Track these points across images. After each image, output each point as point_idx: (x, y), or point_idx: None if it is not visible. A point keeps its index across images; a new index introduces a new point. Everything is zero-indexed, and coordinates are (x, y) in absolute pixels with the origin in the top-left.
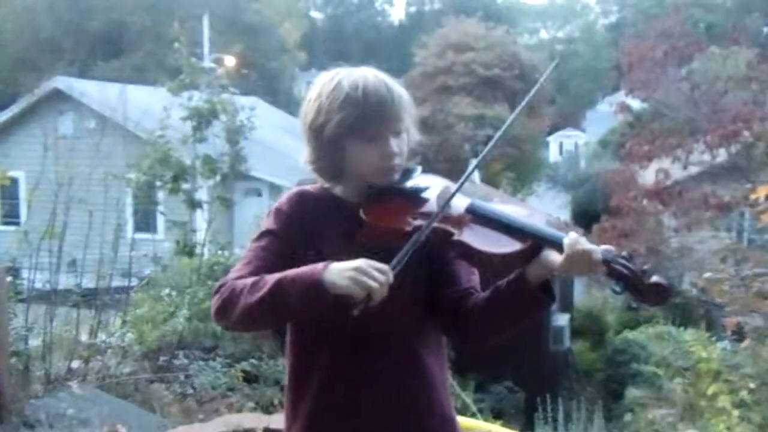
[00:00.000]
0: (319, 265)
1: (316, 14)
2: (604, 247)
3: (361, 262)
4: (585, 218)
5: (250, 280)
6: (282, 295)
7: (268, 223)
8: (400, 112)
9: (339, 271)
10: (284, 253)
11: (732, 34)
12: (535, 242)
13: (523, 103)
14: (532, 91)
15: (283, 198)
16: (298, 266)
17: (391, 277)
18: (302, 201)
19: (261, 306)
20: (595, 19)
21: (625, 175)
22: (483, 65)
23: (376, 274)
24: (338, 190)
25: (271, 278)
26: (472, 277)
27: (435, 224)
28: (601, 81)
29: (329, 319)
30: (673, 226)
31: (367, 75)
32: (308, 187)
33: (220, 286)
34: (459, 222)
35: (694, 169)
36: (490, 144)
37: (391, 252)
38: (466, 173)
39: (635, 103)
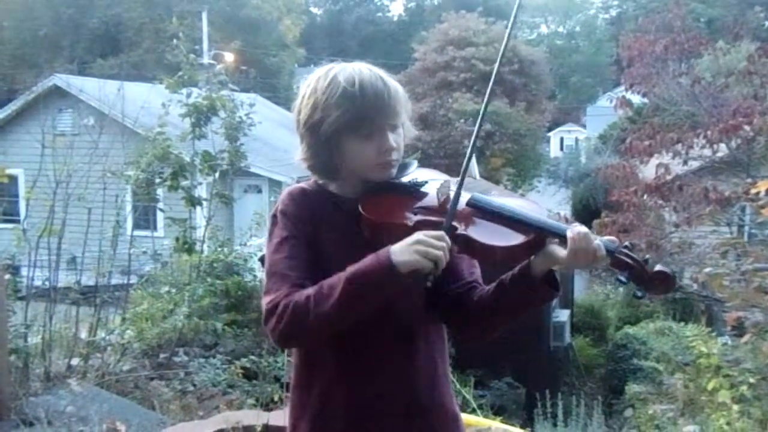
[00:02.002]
0: (382, 252)
1: (315, 10)
2: (606, 238)
3: (418, 235)
4: (585, 213)
5: (308, 292)
6: (358, 293)
7: (278, 231)
8: (397, 107)
9: (404, 249)
10: (308, 252)
11: (733, 28)
12: (539, 234)
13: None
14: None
15: (285, 198)
16: (317, 263)
17: (448, 240)
18: (303, 198)
19: (338, 311)
20: (596, 14)
21: (626, 170)
22: (483, 60)
23: (436, 241)
24: (334, 186)
25: (337, 281)
26: (474, 270)
27: (436, 218)
28: (602, 76)
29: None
30: (674, 221)
31: (363, 70)
32: (303, 185)
33: (271, 310)
34: (461, 216)
35: (694, 164)
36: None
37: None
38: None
39: (635, 98)
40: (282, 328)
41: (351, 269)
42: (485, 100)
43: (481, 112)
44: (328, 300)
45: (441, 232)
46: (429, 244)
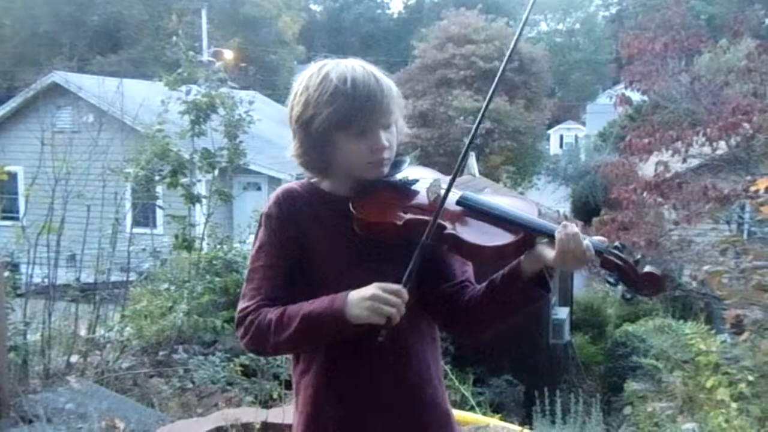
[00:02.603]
0: (338, 299)
1: (314, 7)
2: (597, 238)
3: (374, 290)
4: (585, 211)
5: (272, 315)
6: (309, 332)
7: (261, 235)
8: (390, 105)
9: (357, 303)
10: (286, 261)
11: (733, 26)
12: (528, 234)
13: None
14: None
15: (271, 201)
16: (300, 269)
17: (405, 295)
18: (290, 200)
19: (291, 343)
20: (596, 11)
21: (625, 167)
22: (483, 58)
23: (391, 297)
24: (325, 184)
25: (295, 315)
26: (466, 269)
27: (426, 217)
28: (601, 73)
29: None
30: (673, 218)
31: (356, 67)
32: (294, 184)
33: (242, 319)
34: (450, 215)
35: (694, 162)
36: (475, 125)
37: (382, 245)
38: (457, 166)
39: (635, 96)
40: (246, 341)
41: (307, 308)
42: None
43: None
44: (285, 331)
45: (398, 287)
46: (384, 300)
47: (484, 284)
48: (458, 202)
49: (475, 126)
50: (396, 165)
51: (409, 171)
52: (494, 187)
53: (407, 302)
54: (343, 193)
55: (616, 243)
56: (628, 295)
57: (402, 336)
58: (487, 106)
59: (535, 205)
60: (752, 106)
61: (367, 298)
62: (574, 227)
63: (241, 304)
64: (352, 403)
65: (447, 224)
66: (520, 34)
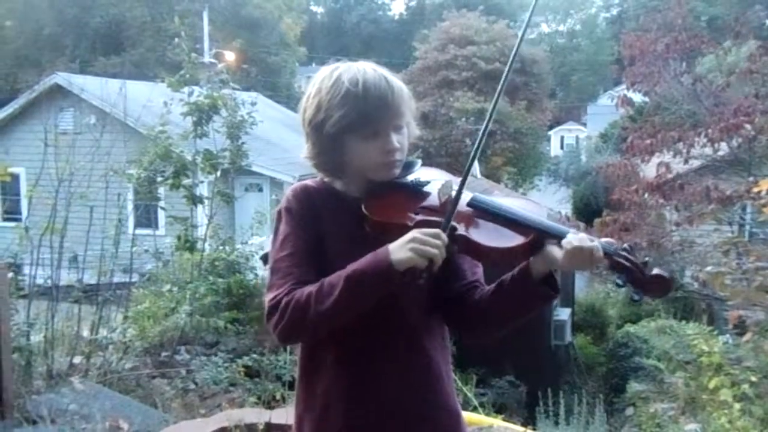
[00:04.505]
0: (380, 251)
1: (316, 9)
2: (605, 240)
3: (415, 233)
4: (586, 212)
5: (309, 290)
6: (356, 291)
7: (282, 228)
8: (401, 107)
9: (400, 247)
10: (311, 251)
11: (734, 27)
12: (537, 236)
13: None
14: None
15: (289, 196)
16: (318, 260)
17: (445, 238)
18: (308, 195)
19: (337, 308)
20: (597, 12)
21: (627, 168)
22: (484, 59)
23: (432, 239)
24: (338, 185)
25: (336, 280)
26: (476, 270)
27: (437, 218)
28: (603, 75)
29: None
30: (675, 219)
31: (367, 70)
32: (308, 182)
33: (274, 307)
34: (461, 216)
35: (695, 163)
36: (484, 127)
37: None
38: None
39: (636, 97)
40: (284, 325)
41: (350, 267)
42: (492, 106)
43: (487, 120)
44: (328, 298)
45: (437, 230)
46: (424, 242)
47: (493, 285)
48: (469, 204)
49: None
50: (408, 166)
51: (420, 172)
52: (502, 190)
53: (421, 304)
54: (356, 194)
55: (625, 245)
56: (636, 297)
57: (414, 335)
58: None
59: (544, 208)
60: (754, 107)
61: (409, 241)
62: (583, 231)
63: (271, 294)
64: (361, 402)
65: (458, 225)
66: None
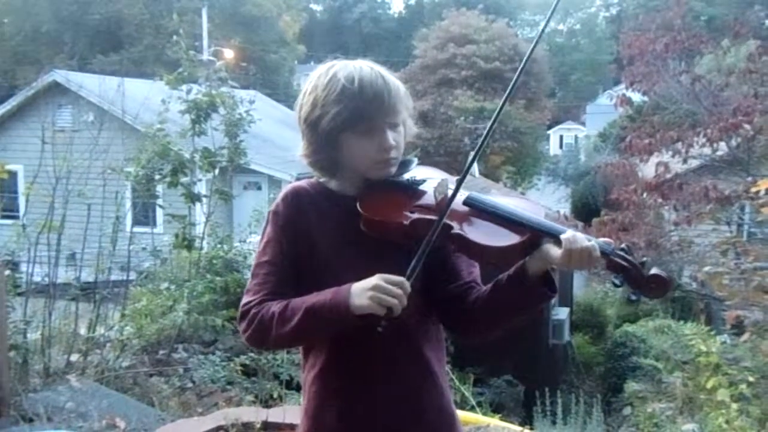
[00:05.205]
0: (342, 290)
1: (315, 7)
2: (602, 239)
3: (377, 280)
4: (585, 211)
5: (276, 308)
6: (312, 323)
7: (267, 231)
8: (397, 105)
9: (360, 293)
10: (291, 258)
11: (734, 27)
12: (534, 235)
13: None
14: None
15: (279, 198)
16: (304, 266)
17: (408, 287)
18: (298, 197)
19: (294, 335)
20: (596, 11)
21: (625, 168)
22: (484, 58)
23: (394, 289)
24: (334, 183)
25: (298, 307)
26: (473, 270)
27: (432, 217)
28: (602, 74)
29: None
30: (673, 219)
31: (363, 67)
32: (303, 183)
33: (245, 313)
34: (457, 215)
35: (694, 163)
36: (488, 129)
37: (388, 244)
38: (466, 167)
39: (636, 96)
40: (249, 335)
41: (313, 298)
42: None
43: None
44: (288, 323)
45: (401, 279)
46: (385, 290)
47: (490, 285)
48: (465, 203)
49: (486, 131)
50: (404, 165)
51: (416, 171)
52: (499, 189)
53: (417, 304)
54: (351, 193)
55: (622, 245)
56: (634, 297)
57: (409, 336)
58: (499, 112)
59: (542, 207)
60: (753, 107)
61: (369, 288)
62: (580, 230)
63: (245, 299)
64: (355, 402)
65: (454, 224)
66: (536, 44)
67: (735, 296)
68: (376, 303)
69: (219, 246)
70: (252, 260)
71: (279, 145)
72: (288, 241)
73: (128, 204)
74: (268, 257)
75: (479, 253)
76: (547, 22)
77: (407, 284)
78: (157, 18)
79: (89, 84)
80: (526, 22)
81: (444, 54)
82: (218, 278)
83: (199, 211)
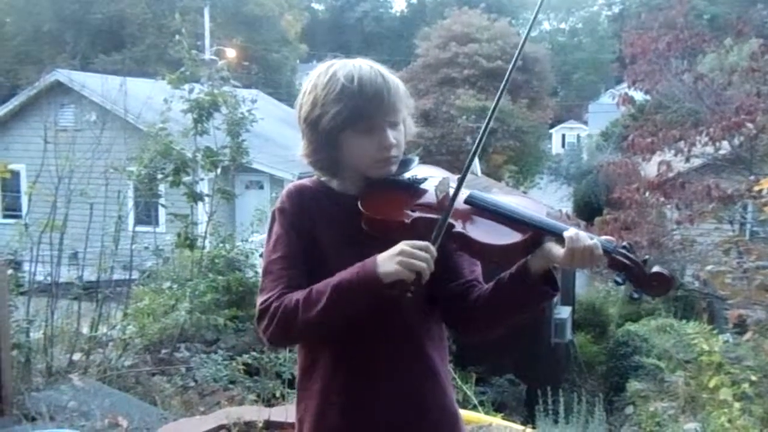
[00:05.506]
0: (368, 262)
1: (317, 6)
2: (604, 237)
3: (403, 246)
4: (587, 210)
5: (297, 296)
6: (341, 301)
7: (275, 228)
8: (397, 104)
9: (387, 259)
10: (302, 254)
11: (737, 26)
12: (536, 233)
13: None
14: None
15: (283, 196)
16: (311, 260)
17: (434, 251)
18: (301, 195)
19: (324, 316)
20: (598, 10)
21: (628, 167)
22: (486, 57)
23: (421, 252)
24: (335, 183)
25: (324, 288)
26: (474, 269)
27: (434, 216)
28: (604, 73)
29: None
30: (676, 218)
31: (363, 66)
32: (305, 181)
33: (264, 311)
34: (459, 214)
35: (696, 162)
36: (484, 127)
37: (390, 243)
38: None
39: (638, 95)
40: (272, 330)
41: (338, 276)
42: (494, 106)
43: (487, 119)
44: (316, 306)
45: (426, 243)
46: (412, 255)
47: (491, 283)
48: (467, 201)
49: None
50: (404, 164)
51: (417, 170)
52: (501, 188)
53: (419, 303)
54: (352, 192)
55: (624, 243)
56: (636, 296)
57: (411, 334)
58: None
59: (544, 206)
60: (755, 105)
61: (396, 254)
62: (582, 229)
63: (262, 297)
64: (358, 400)
65: (455, 223)
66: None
67: (737, 295)
68: (404, 267)
69: (221, 245)
70: (255, 260)
71: (281, 145)
72: (298, 234)
73: (130, 203)
74: (281, 253)
75: (481, 251)
76: (535, 16)
77: (433, 248)
78: (160, 17)
79: (91, 83)
80: (528, 21)
81: (446, 53)
82: (220, 277)
83: (202, 211)
